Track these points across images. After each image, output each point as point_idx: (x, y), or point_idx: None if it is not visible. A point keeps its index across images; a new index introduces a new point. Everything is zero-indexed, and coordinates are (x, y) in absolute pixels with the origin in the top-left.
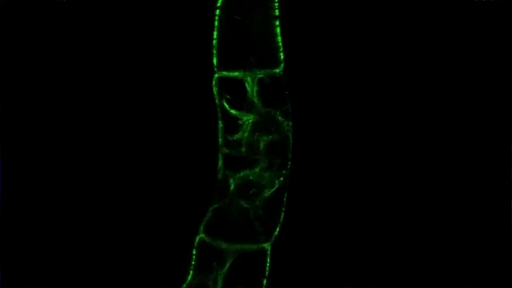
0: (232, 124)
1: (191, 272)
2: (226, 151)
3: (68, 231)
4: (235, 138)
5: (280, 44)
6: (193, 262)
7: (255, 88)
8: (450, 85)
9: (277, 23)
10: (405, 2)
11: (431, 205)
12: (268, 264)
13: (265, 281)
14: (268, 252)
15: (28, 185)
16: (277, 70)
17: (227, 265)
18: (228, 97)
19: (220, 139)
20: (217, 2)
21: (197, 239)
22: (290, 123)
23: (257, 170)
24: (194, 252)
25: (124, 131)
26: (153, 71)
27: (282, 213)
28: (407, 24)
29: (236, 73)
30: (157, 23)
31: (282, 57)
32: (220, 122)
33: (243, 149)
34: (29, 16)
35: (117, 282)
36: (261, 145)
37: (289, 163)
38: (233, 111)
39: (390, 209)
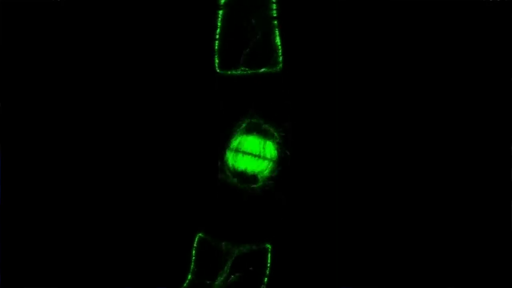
0: (233, 123)
1: (191, 271)
2: (227, 150)
3: (68, 231)
4: (235, 136)
5: (279, 44)
6: (193, 261)
7: (254, 88)
8: (449, 85)
9: (275, 23)
10: (404, 1)
11: (431, 205)
12: (269, 264)
13: (266, 280)
14: (269, 251)
15: (28, 185)
16: (277, 69)
17: (228, 264)
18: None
19: (220, 139)
20: (220, 1)
21: (196, 238)
22: (290, 122)
23: (258, 168)
24: (194, 251)
25: (125, 130)
26: (154, 70)
27: (283, 213)
28: (406, 24)
29: (237, 73)
30: (158, 22)
31: (280, 57)
32: (221, 122)
33: (244, 148)
34: (29, 16)
35: (117, 282)
36: (262, 144)
37: (288, 162)
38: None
39: (389, 209)
